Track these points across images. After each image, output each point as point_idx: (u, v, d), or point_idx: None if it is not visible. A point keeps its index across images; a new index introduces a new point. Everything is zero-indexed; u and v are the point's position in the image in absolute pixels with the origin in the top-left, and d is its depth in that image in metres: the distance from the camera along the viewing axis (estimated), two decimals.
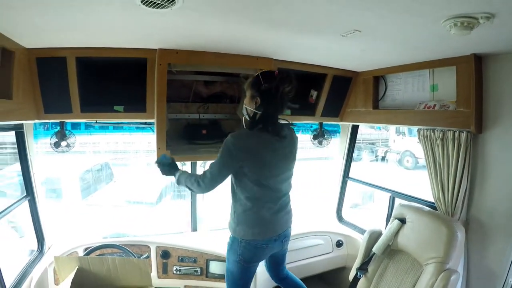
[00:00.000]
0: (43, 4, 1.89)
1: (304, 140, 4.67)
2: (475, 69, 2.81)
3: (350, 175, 4.66)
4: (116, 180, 11.02)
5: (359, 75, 3.93)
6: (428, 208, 3.25)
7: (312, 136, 4.45)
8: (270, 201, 2.84)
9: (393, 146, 14.96)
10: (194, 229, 4.32)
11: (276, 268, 3.32)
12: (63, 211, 8.23)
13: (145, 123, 3.59)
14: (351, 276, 3.45)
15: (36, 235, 3.57)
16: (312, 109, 4.03)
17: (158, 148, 3.15)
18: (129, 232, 6.87)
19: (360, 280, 3.33)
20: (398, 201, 3.77)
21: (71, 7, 1.93)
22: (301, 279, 3.46)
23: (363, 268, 3.33)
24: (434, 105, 3.19)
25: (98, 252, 3.35)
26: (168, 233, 4.28)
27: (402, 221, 3.20)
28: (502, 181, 2.84)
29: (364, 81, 3.90)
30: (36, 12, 2.00)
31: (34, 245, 3.60)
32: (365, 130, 14.36)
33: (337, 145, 4.70)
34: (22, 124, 3.18)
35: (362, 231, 4.19)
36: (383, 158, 15.17)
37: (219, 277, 3.62)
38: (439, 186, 3.13)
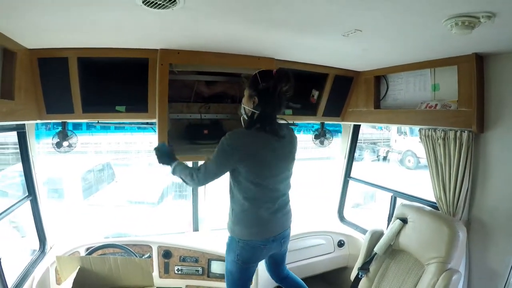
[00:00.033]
0: (44, 5, 1.89)
1: (305, 140, 4.67)
2: (476, 69, 2.81)
3: (351, 175, 4.65)
4: (118, 180, 11.04)
5: (361, 74, 3.93)
6: (429, 208, 3.25)
7: (313, 136, 4.44)
8: (268, 201, 2.83)
9: (394, 146, 14.98)
10: (195, 229, 4.32)
11: (276, 268, 3.32)
12: (65, 211, 8.25)
13: (147, 123, 3.58)
14: (352, 276, 3.45)
15: (38, 235, 3.58)
16: (314, 109, 4.02)
17: None
18: (130, 232, 6.88)
19: (362, 280, 3.33)
20: (399, 201, 3.77)
21: (72, 7, 1.94)
22: (302, 279, 3.45)
23: (364, 268, 3.32)
24: (436, 105, 3.19)
25: (100, 252, 3.35)
26: (169, 233, 4.27)
27: (404, 221, 3.20)
28: (504, 181, 2.83)
29: (365, 81, 3.90)
30: (37, 13, 2.01)
31: (36, 245, 3.60)
32: (367, 130, 14.38)
33: (338, 145, 4.69)
34: (24, 124, 3.18)
35: (363, 231, 4.18)
36: (384, 158, 15.19)
37: (220, 277, 3.62)
38: (441, 186, 3.13)
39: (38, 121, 3.13)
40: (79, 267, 2.81)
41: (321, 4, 1.90)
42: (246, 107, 2.79)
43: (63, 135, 3.38)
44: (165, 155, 3.00)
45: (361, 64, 3.68)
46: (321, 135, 4.40)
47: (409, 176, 12.37)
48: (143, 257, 3.32)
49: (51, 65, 2.88)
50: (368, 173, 5.61)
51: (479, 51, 2.76)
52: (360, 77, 3.95)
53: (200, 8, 1.99)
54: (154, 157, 3.03)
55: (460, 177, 2.96)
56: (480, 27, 1.99)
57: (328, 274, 4.32)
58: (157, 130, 3.16)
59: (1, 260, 2.80)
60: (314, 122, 4.33)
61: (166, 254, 3.68)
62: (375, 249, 3.28)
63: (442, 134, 3.04)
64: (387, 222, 3.88)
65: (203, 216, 4.34)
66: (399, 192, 3.89)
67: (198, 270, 3.70)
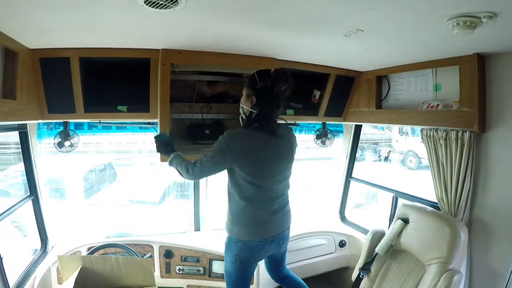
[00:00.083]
0: (46, 5, 1.90)
1: (307, 140, 4.67)
2: (478, 69, 2.81)
3: (353, 175, 4.65)
4: (119, 180, 11.06)
5: (362, 75, 3.93)
6: (431, 208, 3.25)
7: (315, 136, 4.44)
8: (266, 201, 2.82)
9: (396, 146, 14.96)
10: (197, 228, 4.33)
11: (276, 268, 3.31)
12: (67, 211, 8.26)
13: (148, 123, 3.59)
14: (354, 276, 3.45)
15: (40, 235, 3.58)
16: (315, 109, 4.02)
17: None
18: (132, 231, 6.89)
19: (363, 280, 3.33)
20: (401, 201, 3.76)
21: (74, 8, 1.94)
22: (303, 279, 3.45)
23: (366, 268, 3.32)
24: (437, 105, 3.19)
25: (101, 251, 3.35)
26: (171, 232, 4.28)
27: (405, 221, 3.20)
28: (505, 181, 2.83)
29: (367, 81, 3.90)
30: (39, 13, 2.01)
31: (38, 244, 3.61)
32: (368, 130, 14.38)
33: (340, 145, 4.69)
34: (25, 124, 3.19)
35: (365, 231, 4.18)
36: (386, 158, 15.18)
37: (222, 277, 3.61)
38: (442, 186, 3.12)
39: (40, 121, 3.14)
40: (80, 266, 2.81)
41: (322, 4, 1.90)
42: (244, 106, 2.79)
43: (65, 135, 3.38)
44: (164, 144, 3.01)
45: (362, 64, 3.67)
46: (323, 135, 4.40)
47: (411, 177, 12.36)
48: (145, 257, 3.31)
49: (53, 65, 2.89)
50: (369, 173, 5.61)
51: (480, 51, 2.76)
52: (361, 77, 3.95)
53: (202, 8, 1.99)
54: (153, 145, 3.04)
55: (462, 178, 2.96)
56: (482, 27, 1.99)
57: (329, 274, 4.32)
58: (158, 130, 3.16)
59: (3, 260, 2.80)
60: (316, 122, 4.33)
61: (168, 254, 3.68)
62: (377, 249, 3.28)
63: (443, 134, 3.04)
64: (388, 222, 3.88)
65: (205, 216, 4.35)
66: (401, 192, 3.89)
67: (199, 270, 3.70)
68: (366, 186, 4.59)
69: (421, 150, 11.48)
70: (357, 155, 4.68)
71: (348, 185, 4.70)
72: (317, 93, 3.97)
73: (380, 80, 3.85)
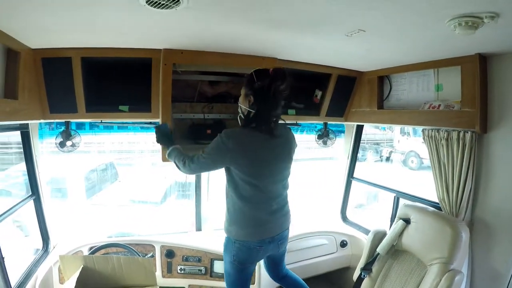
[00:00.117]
0: (48, 5, 1.90)
1: (308, 140, 4.67)
2: (480, 69, 2.81)
3: (354, 175, 4.65)
4: (121, 180, 11.06)
5: (364, 75, 3.93)
6: (432, 209, 3.25)
7: (316, 136, 4.43)
8: (264, 201, 2.82)
9: (397, 147, 14.93)
10: (198, 228, 4.33)
11: (275, 268, 3.31)
12: (68, 211, 8.27)
13: (150, 123, 3.59)
14: (355, 276, 3.45)
15: (41, 234, 3.59)
16: (317, 109, 4.02)
17: (163, 148, 3.15)
18: (133, 231, 6.90)
19: (364, 280, 3.33)
20: (402, 201, 3.75)
21: (76, 8, 1.94)
22: (305, 279, 3.45)
23: (367, 268, 3.32)
24: (439, 105, 3.18)
25: (103, 251, 3.36)
26: (172, 232, 4.29)
27: (407, 221, 3.20)
28: (507, 182, 2.83)
29: (368, 81, 3.90)
30: (41, 13, 2.02)
31: (39, 244, 3.61)
32: (370, 130, 14.35)
33: (341, 145, 4.69)
34: (27, 124, 3.19)
35: (366, 231, 4.19)
36: (387, 159, 15.15)
37: (223, 277, 3.56)
38: (444, 187, 3.12)
39: (42, 121, 3.14)
40: (82, 266, 2.81)
41: (322, 4, 1.90)
42: (242, 106, 2.79)
43: (67, 135, 3.39)
44: (164, 136, 3.03)
45: (364, 64, 3.67)
46: (324, 135, 4.39)
47: (412, 177, 12.35)
48: (146, 257, 3.31)
49: (54, 65, 2.89)
50: (371, 173, 5.61)
51: (482, 52, 2.76)
52: (363, 77, 3.95)
53: (204, 8, 1.99)
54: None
55: (463, 178, 2.96)
56: (484, 28, 1.99)
57: (331, 274, 4.32)
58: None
59: (5, 259, 2.80)
60: (317, 122, 4.32)
61: (169, 253, 3.69)
62: (378, 250, 3.28)
63: (445, 135, 3.03)
64: (390, 222, 3.88)
65: (206, 215, 4.35)
66: (402, 193, 3.89)
67: (201, 270, 3.70)
68: (368, 186, 4.59)
69: (423, 150, 11.48)
70: (359, 155, 4.68)
71: (350, 185, 4.70)
72: (318, 93, 3.97)
73: (381, 80, 3.85)
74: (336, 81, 3.83)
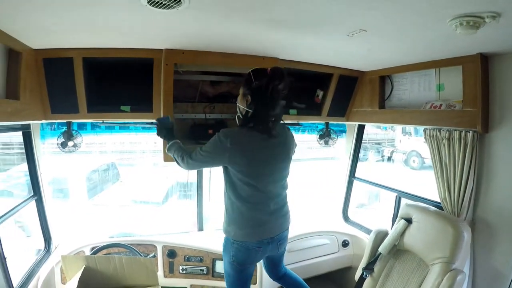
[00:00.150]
0: (49, 5, 1.90)
1: (310, 140, 4.67)
2: (481, 69, 2.80)
3: (356, 175, 4.65)
4: (123, 180, 11.05)
5: (365, 74, 3.92)
6: (434, 208, 3.25)
7: (318, 136, 4.43)
8: (262, 202, 2.81)
9: (399, 146, 14.91)
10: (200, 228, 4.33)
11: (274, 267, 3.31)
12: (70, 211, 8.26)
13: (152, 123, 3.59)
14: (357, 276, 3.45)
15: (43, 235, 3.60)
16: (318, 109, 4.02)
17: (165, 148, 3.16)
18: (135, 231, 6.89)
19: (366, 280, 3.33)
20: (404, 201, 3.75)
21: (77, 8, 1.95)
22: (306, 279, 3.45)
23: (369, 268, 3.32)
24: (440, 105, 3.18)
25: (104, 251, 3.36)
26: (174, 232, 4.29)
27: (408, 221, 3.20)
28: (509, 181, 2.83)
29: (370, 81, 3.90)
30: (42, 13, 2.02)
31: (41, 244, 3.62)
32: (371, 130, 14.32)
33: (343, 145, 4.69)
34: (29, 124, 3.20)
35: (368, 231, 4.19)
36: (389, 158, 15.12)
37: None
38: (445, 186, 3.12)
39: (43, 121, 3.14)
40: (84, 266, 2.81)
41: (325, 4, 1.90)
42: (240, 105, 2.79)
43: (68, 135, 3.40)
44: (165, 129, 3.03)
45: (365, 64, 3.67)
46: (326, 135, 4.40)
47: (414, 177, 12.34)
48: (148, 257, 3.32)
49: (56, 65, 2.89)
50: (372, 173, 5.61)
51: (484, 51, 2.76)
52: (364, 77, 3.95)
53: (205, 8, 1.99)
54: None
55: (465, 177, 2.96)
56: (485, 27, 1.99)
57: (333, 274, 4.33)
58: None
59: (7, 260, 2.81)
60: (319, 122, 4.32)
61: (171, 253, 3.69)
62: (380, 249, 3.28)
63: (447, 134, 3.03)
64: (391, 222, 3.87)
65: (208, 216, 4.35)
66: (404, 192, 3.89)
67: (202, 270, 3.70)
68: (369, 186, 4.59)
69: (424, 150, 11.46)
70: (360, 155, 4.68)
71: (351, 185, 4.70)
72: (320, 93, 3.97)
73: (383, 80, 3.84)
74: (338, 81, 3.83)
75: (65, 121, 3.32)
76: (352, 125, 4.51)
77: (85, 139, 3.56)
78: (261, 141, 2.71)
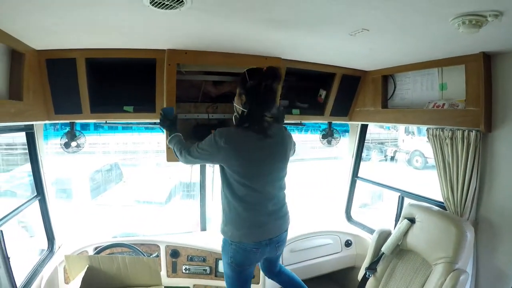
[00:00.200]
0: (52, 6, 1.91)
1: (313, 139, 4.67)
2: (484, 68, 2.80)
3: (359, 175, 4.64)
4: (126, 180, 11.07)
5: (368, 74, 3.92)
6: (437, 208, 3.24)
7: (321, 136, 4.43)
8: (259, 203, 2.79)
9: (402, 146, 14.90)
10: (203, 228, 4.34)
11: (270, 265, 3.28)
12: (73, 211, 8.29)
13: (154, 123, 3.60)
14: (360, 276, 3.45)
15: (46, 235, 3.60)
16: (321, 108, 4.02)
17: (168, 149, 3.16)
18: (138, 231, 6.90)
19: (369, 280, 3.33)
20: (407, 200, 3.75)
21: (80, 9, 1.95)
22: (309, 279, 3.46)
23: (372, 268, 3.32)
24: (443, 104, 3.18)
25: (108, 251, 3.37)
26: (177, 232, 4.29)
27: (411, 220, 3.19)
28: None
29: (373, 80, 3.89)
30: (45, 14, 2.02)
31: (45, 244, 3.63)
32: (374, 130, 14.33)
33: (346, 144, 4.68)
34: (32, 125, 3.21)
35: (371, 231, 4.18)
36: (392, 158, 15.12)
37: None
38: (448, 186, 3.12)
39: (47, 122, 3.16)
40: (87, 266, 2.82)
41: (325, 5, 1.90)
42: (237, 105, 2.80)
43: (71, 136, 3.40)
44: (169, 120, 3.04)
45: (368, 63, 3.67)
46: (329, 134, 4.39)
47: (417, 176, 12.32)
48: (151, 257, 3.32)
49: (59, 66, 2.90)
50: (375, 173, 5.60)
51: (486, 50, 2.75)
52: (367, 77, 3.94)
53: (207, 8, 1.99)
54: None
55: (468, 177, 2.95)
56: (488, 26, 1.98)
57: (336, 274, 4.33)
58: (165, 132, 3.17)
59: (10, 260, 2.82)
60: (322, 121, 4.32)
61: (174, 253, 3.70)
62: (383, 249, 3.28)
63: (449, 134, 3.03)
64: (394, 222, 3.87)
65: (211, 215, 4.35)
66: (407, 192, 3.88)
67: (205, 270, 3.71)
68: (372, 186, 4.59)
69: (427, 149, 11.45)
70: (363, 154, 4.67)
71: (354, 185, 4.70)
72: (322, 93, 3.96)
73: (386, 79, 3.84)
74: (340, 81, 3.83)
75: (68, 121, 3.33)
76: (355, 125, 4.50)
77: (88, 140, 3.57)
78: (257, 141, 2.70)
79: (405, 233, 3.19)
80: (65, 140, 3.40)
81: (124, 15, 2.10)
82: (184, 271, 3.71)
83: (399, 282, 3.10)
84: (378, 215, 7.17)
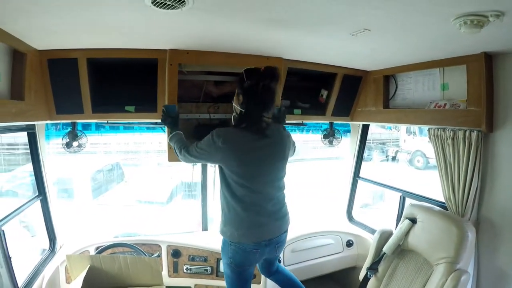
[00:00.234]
0: (53, 7, 1.91)
1: (314, 139, 4.67)
2: (485, 68, 2.79)
3: (360, 175, 4.64)
4: (127, 180, 11.10)
5: (369, 74, 3.92)
6: (438, 208, 3.24)
7: (322, 136, 4.42)
8: (258, 203, 2.78)
9: (403, 146, 14.91)
10: (204, 228, 4.34)
11: (268, 265, 3.27)
12: (75, 211, 8.30)
13: (156, 123, 3.60)
14: (361, 276, 3.45)
15: (48, 234, 3.61)
16: (323, 108, 4.01)
17: (169, 149, 3.16)
18: (140, 231, 6.91)
19: (370, 280, 3.33)
20: (408, 201, 3.75)
21: (82, 9, 1.95)
22: (310, 279, 3.46)
23: (373, 268, 3.32)
24: (445, 104, 3.18)
25: (109, 251, 3.37)
26: (178, 232, 4.29)
27: (413, 221, 3.19)
28: None
29: (374, 80, 3.89)
30: (47, 14, 2.02)
31: (46, 244, 3.63)
32: (376, 130, 14.34)
33: (347, 144, 4.68)
34: (34, 124, 3.21)
35: (372, 231, 4.18)
36: (393, 158, 15.13)
37: None
38: (450, 186, 3.11)
39: (48, 122, 3.16)
40: (89, 266, 2.83)
41: (325, 5, 1.90)
42: (235, 105, 2.80)
43: (73, 135, 3.40)
44: (171, 117, 3.04)
45: (369, 63, 3.66)
46: (330, 134, 4.39)
47: (418, 176, 12.32)
48: (153, 256, 3.32)
49: (60, 66, 2.90)
50: (377, 173, 5.60)
51: (488, 50, 2.75)
52: (369, 77, 3.94)
53: (209, 9, 1.99)
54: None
55: (469, 177, 2.95)
56: (489, 26, 1.98)
57: (337, 274, 4.32)
58: (166, 130, 3.17)
59: (12, 259, 2.82)
60: (323, 121, 4.32)
61: (175, 253, 3.70)
62: (384, 249, 3.28)
63: (451, 134, 3.02)
64: (396, 222, 3.87)
65: (212, 215, 4.35)
66: (408, 192, 3.88)
67: (207, 270, 3.71)
68: (374, 186, 4.58)
69: (429, 149, 11.45)
70: (365, 154, 4.67)
71: (356, 185, 4.69)
72: (324, 93, 3.96)
73: (387, 79, 3.84)
74: (342, 81, 3.82)
75: (69, 121, 3.33)
76: (356, 125, 4.50)
77: (90, 140, 3.57)
78: (255, 142, 2.70)
79: (407, 233, 3.19)
80: (66, 140, 3.41)
81: (126, 15, 2.10)
82: (185, 271, 3.71)
83: (400, 282, 3.10)
84: (380, 215, 7.16)
